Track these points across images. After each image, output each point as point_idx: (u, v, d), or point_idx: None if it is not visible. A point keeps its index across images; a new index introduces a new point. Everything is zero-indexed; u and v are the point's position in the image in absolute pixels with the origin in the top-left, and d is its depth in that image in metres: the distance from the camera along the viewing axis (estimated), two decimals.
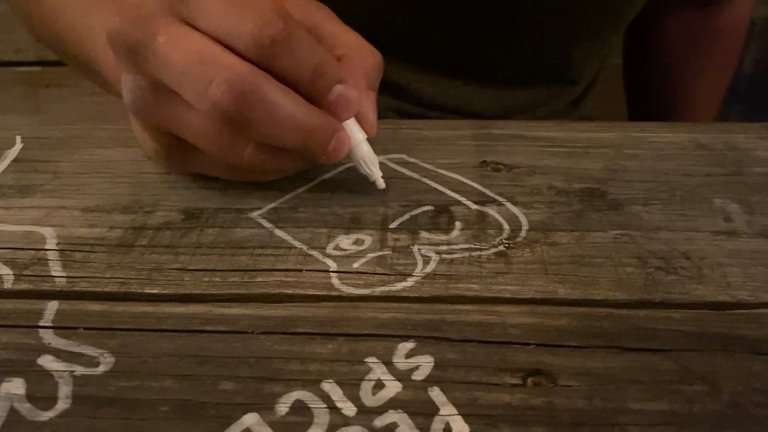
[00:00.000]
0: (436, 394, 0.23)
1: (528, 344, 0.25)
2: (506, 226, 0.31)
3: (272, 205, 0.32)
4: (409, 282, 0.28)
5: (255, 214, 0.32)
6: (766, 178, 0.34)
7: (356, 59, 0.30)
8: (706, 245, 0.30)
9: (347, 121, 0.30)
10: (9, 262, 0.29)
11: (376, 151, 0.35)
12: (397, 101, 0.52)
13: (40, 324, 0.26)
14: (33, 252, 0.30)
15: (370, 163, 0.31)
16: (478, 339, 0.25)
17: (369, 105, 0.30)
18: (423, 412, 0.22)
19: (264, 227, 0.31)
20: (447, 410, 0.22)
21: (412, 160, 0.36)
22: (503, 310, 0.26)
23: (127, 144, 0.37)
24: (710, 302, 0.27)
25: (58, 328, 0.26)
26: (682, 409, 0.22)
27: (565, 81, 0.55)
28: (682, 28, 0.63)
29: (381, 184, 0.32)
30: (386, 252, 0.29)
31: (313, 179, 0.34)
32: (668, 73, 0.67)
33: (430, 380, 0.23)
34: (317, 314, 0.26)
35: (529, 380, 0.23)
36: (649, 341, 0.25)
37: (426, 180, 0.34)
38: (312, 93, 0.28)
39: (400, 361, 0.24)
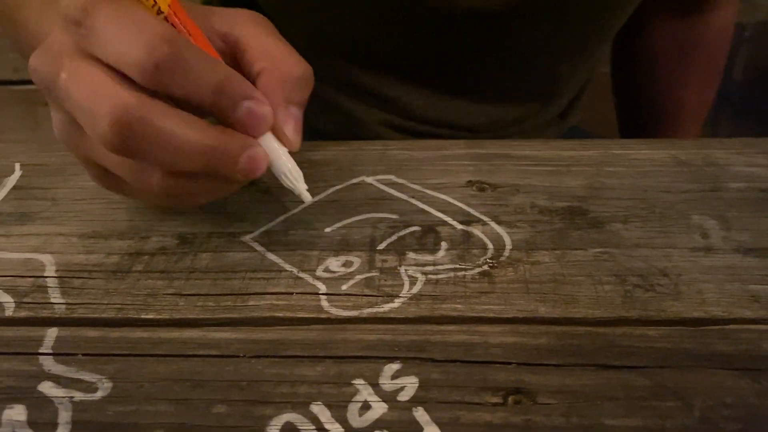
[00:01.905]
0: (420, 414, 0.24)
1: (509, 363, 0.26)
2: (490, 246, 0.32)
3: (264, 228, 0.34)
4: (396, 303, 0.29)
5: (247, 237, 0.33)
6: (742, 194, 0.35)
7: (276, 71, 0.30)
8: (683, 262, 0.31)
9: (265, 136, 0.29)
10: (10, 290, 0.30)
11: (366, 172, 0.36)
12: (388, 115, 0.53)
13: (41, 351, 0.27)
14: (33, 279, 0.31)
15: (292, 177, 0.30)
16: (462, 359, 0.26)
17: (287, 118, 0.29)
18: None
19: (256, 251, 0.32)
20: (430, 430, 0.23)
21: (399, 180, 0.37)
22: (486, 329, 0.27)
23: None
24: (685, 318, 0.28)
25: (57, 354, 0.27)
26: (655, 424, 0.23)
27: (553, 95, 0.56)
28: (667, 36, 0.64)
29: (307, 197, 0.30)
30: (374, 273, 0.30)
31: (303, 202, 0.35)
32: (655, 80, 0.68)
33: (415, 401, 0.24)
34: (307, 337, 0.27)
35: (510, 399, 0.24)
36: (624, 358, 0.26)
37: (413, 201, 0.35)
38: (216, 113, 0.27)
39: (386, 383, 0.25)
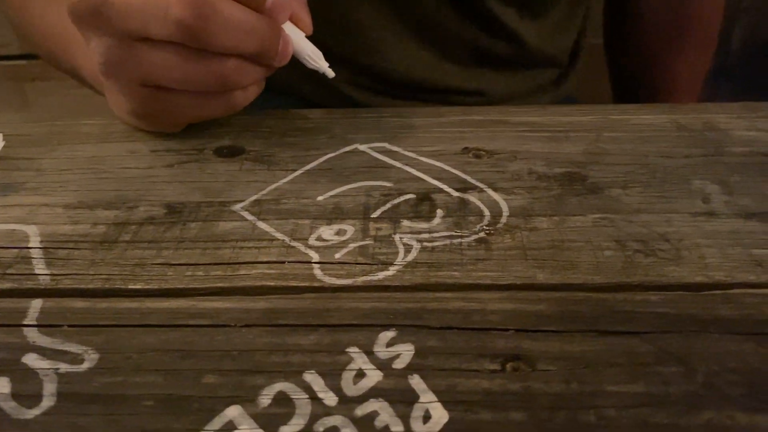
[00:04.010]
0: (416, 381, 0.23)
1: (507, 330, 0.25)
2: (487, 213, 0.31)
3: (255, 197, 0.33)
4: (391, 271, 0.28)
5: (237, 206, 0.32)
6: (744, 158, 0.34)
7: None
8: (684, 227, 0.30)
9: (285, 24, 0.33)
10: None
11: (359, 140, 0.36)
12: (366, 78, 0.53)
13: (25, 322, 0.26)
14: (16, 251, 0.30)
15: (315, 56, 0.34)
16: (459, 326, 0.25)
17: (301, 7, 0.33)
18: (403, 400, 0.22)
19: (246, 220, 0.31)
20: (427, 397, 0.22)
21: (394, 148, 0.36)
22: (483, 296, 0.27)
23: (109, 139, 0.37)
24: (687, 284, 0.27)
25: (42, 326, 0.26)
26: (658, 390, 0.23)
27: (530, 55, 0.54)
28: (660, 9, 0.64)
29: (330, 72, 0.34)
30: (368, 242, 0.30)
31: (295, 170, 0.34)
32: (648, 53, 0.67)
33: (411, 368, 0.24)
34: (299, 306, 0.26)
35: (508, 365, 0.24)
36: (626, 324, 0.25)
37: (408, 168, 0.34)
38: (251, 3, 0.30)
39: (381, 350, 0.24)
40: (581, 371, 0.23)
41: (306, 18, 0.34)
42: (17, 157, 0.36)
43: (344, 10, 0.49)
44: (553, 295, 0.27)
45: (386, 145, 0.36)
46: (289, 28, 0.33)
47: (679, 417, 0.22)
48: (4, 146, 0.37)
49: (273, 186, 0.33)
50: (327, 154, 0.36)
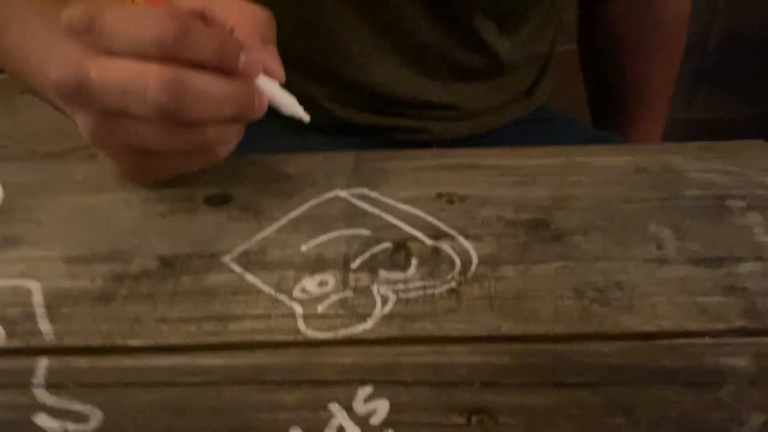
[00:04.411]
0: None
1: (473, 383, 0.28)
2: (458, 262, 0.34)
3: (242, 247, 0.35)
4: (369, 324, 0.31)
5: (226, 258, 0.34)
6: (697, 202, 0.37)
7: (247, 23, 0.35)
8: (637, 274, 0.33)
9: (258, 78, 0.34)
10: (0, 319, 0.31)
11: (340, 185, 0.38)
12: (345, 93, 0.55)
13: (33, 381, 0.28)
14: (21, 308, 0.32)
15: (290, 104, 0.35)
16: (430, 380, 0.28)
17: (271, 58, 0.35)
18: None
19: (235, 272, 0.34)
20: None
21: (372, 194, 0.38)
22: (453, 349, 0.29)
23: (103, 188, 0.39)
24: (638, 333, 0.30)
25: (50, 385, 0.28)
26: None
27: (502, 64, 0.57)
28: (627, 15, 0.67)
29: (306, 117, 0.36)
30: (348, 293, 0.32)
31: (279, 219, 0.37)
32: (617, 58, 0.70)
33: (386, 423, 0.26)
34: (285, 361, 0.29)
35: (473, 418, 0.26)
36: (580, 376, 0.28)
37: (385, 215, 0.37)
38: (223, 68, 0.32)
39: (359, 406, 0.27)
40: (539, 423, 0.26)
41: (277, 67, 0.35)
42: (15, 209, 0.38)
43: (327, 25, 0.52)
44: (515, 348, 0.29)
45: (365, 190, 0.39)
46: (262, 80, 0.35)
47: None
48: (4, 198, 0.39)
49: (260, 236, 0.36)
50: (309, 201, 0.38)
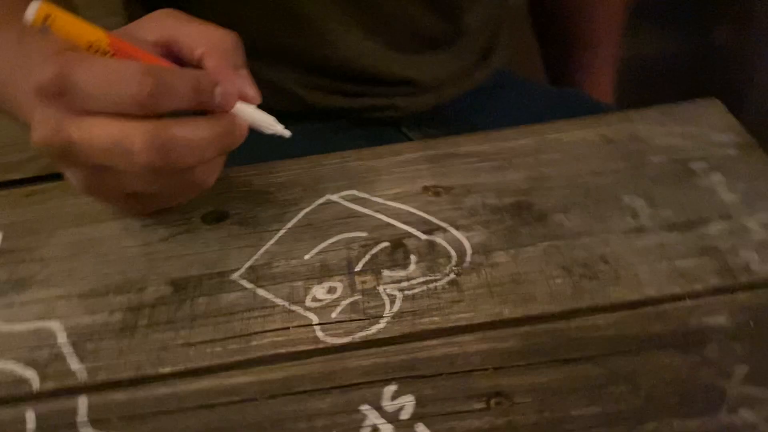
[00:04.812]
0: (422, 429, 0.28)
1: (486, 369, 0.30)
2: (453, 253, 0.36)
3: (249, 263, 0.37)
4: (382, 324, 0.33)
5: (236, 275, 0.36)
6: (664, 168, 0.40)
7: (215, 51, 0.35)
8: (619, 246, 0.36)
9: (237, 106, 0.35)
10: (31, 363, 0.33)
11: (330, 189, 0.40)
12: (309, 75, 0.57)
13: (78, 420, 0.30)
14: (48, 349, 0.33)
15: (269, 123, 0.36)
16: (447, 371, 0.31)
17: (245, 82, 0.35)
18: None
19: (246, 289, 0.35)
20: None
21: (362, 194, 0.40)
22: (462, 339, 0.32)
23: (100, 218, 0.40)
24: (626, 302, 0.33)
25: (94, 421, 0.30)
26: (611, 409, 0.28)
27: (460, 32, 0.59)
28: None
29: (286, 133, 0.36)
30: (357, 297, 0.34)
31: (278, 230, 0.39)
32: (565, 7, 0.72)
33: (415, 417, 0.29)
34: (311, 371, 0.31)
35: (492, 402, 0.29)
36: (580, 350, 0.31)
37: (378, 215, 0.39)
38: (201, 107, 0.33)
39: (388, 404, 0.29)
40: (550, 400, 0.29)
41: (252, 91, 0.35)
42: (18, 249, 0.39)
43: (293, 3, 0.53)
44: (518, 331, 0.32)
45: (355, 192, 0.40)
46: (239, 107, 0.35)
47: (629, 430, 0.28)
48: (3, 238, 0.40)
49: (262, 249, 0.38)
50: (303, 209, 0.40)
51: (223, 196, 0.41)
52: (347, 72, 0.58)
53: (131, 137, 0.31)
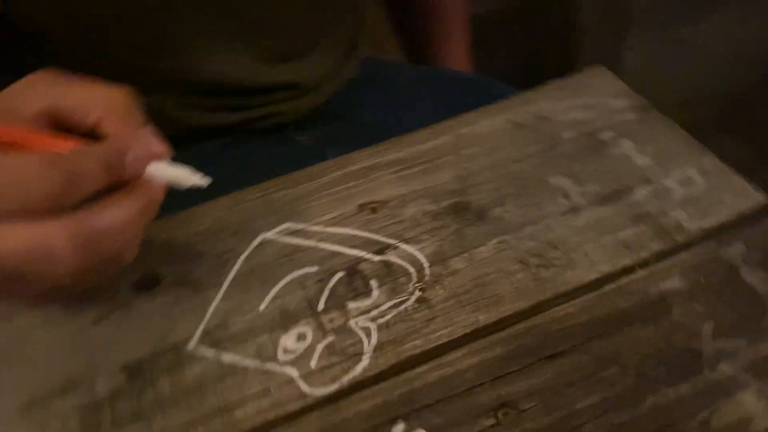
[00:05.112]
0: None
1: (483, 383, 0.31)
2: (411, 269, 0.36)
3: (201, 327, 0.34)
4: (365, 360, 0.32)
5: (191, 344, 0.34)
6: (577, 144, 0.42)
7: (112, 114, 0.33)
8: (561, 229, 0.37)
9: (149, 167, 0.32)
10: None
11: (262, 227, 0.38)
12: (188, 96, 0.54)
13: None
14: None
15: (185, 178, 0.34)
16: (448, 394, 0.30)
17: (150, 140, 0.32)
18: None
19: (208, 357, 0.33)
20: None
21: (298, 226, 0.39)
22: (450, 358, 0.32)
23: (12, 315, 0.36)
24: (586, 284, 0.34)
25: None
26: (609, 393, 0.30)
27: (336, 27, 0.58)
28: None
29: (206, 181, 0.34)
30: (330, 338, 0.33)
31: (220, 285, 0.36)
32: None
33: None
34: (312, 428, 0.30)
35: (500, 414, 0.30)
36: (562, 342, 0.32)
37: (322, 245, 0.38)
38: (120, 182, 0.31)
39: None
40: (552, 398, 0.30)
41: (159, 147, 0.33)
42: None
43: (154, 25, 0.49)
44: (499, 336, 0.33)
45: (290, 225, 0.39)
46: (152, 168, 0.33)
47: (632, 410, 0.29)
48: None
49: (211, 309, 0.35)
50: (241, 254, 0.37)
51: (148, 258, 0.38)
52: (224, 87, 0.55)
53: (50, 239, 0.28)
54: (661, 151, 0.40)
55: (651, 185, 0.39)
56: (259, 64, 0.55)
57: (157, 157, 0.33)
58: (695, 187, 0.38)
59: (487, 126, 0.44)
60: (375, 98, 0.64)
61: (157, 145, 0.33)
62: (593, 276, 0.34)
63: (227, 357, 0.33)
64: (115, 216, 0.29)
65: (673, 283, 0.34)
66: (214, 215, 0.40)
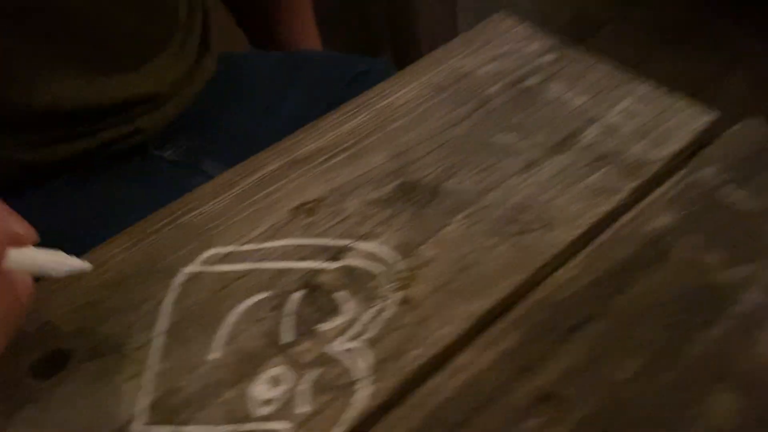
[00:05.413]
0: None
1: (511, 379, 0.26)
2: (378, 269, 0.30)
3: (144, 402, 0.27)
4: (365, 390, 0.26)
5: (138, 427, 0.26)
6: (505, 96, 0.38)
7: None
8: (524, 189, 0.33)
9: (11, 254, 0.25)
10: None
11: (180, 262, 0.31)
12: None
13: None
14: None
15: (59, 263, 0.27)
16: (476, 404, 0.26)
17: (7, 220, 0.26)
18: None
19: None
20: None
21: (226, 249, 0.32)
22: (463, 360, 0.27)
23: None
24: (575, 240, 0.31)
25: None
26: (646, 356, 0.27)
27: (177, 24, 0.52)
28: None
29: (87, 265, 0.28)
30: (313, 374, 0.27)
31: (149, 343, 0.29)
32: None
33: None
34: None
35: (546, 408, 0.25)
36: (576, 311, 0.28)
37: (264, 264, 0.31)
38: None
39: None
40: (591, 377, 0.26)
41: (22, 228, 0.26)
42: None
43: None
44: (504, 322, 0.28)
45: (216, 250, 0.32)
46: (14, 256, 0.25)
47: (677, 365, 0.26)
48: None
49: (151, 376, 0.28)
50: (164, 299, 0.30)
51: (46, 333, 0.29)
52: (70, 113, 0.47)
53: None
54: (593, 87, 0.38)
55: (596, 124, 0.36)
56: (104, 79, 0.48)
57: (20, 242, 0.26)
58: (641, 116, 0.36)
59: (406, 95, 0.39)
60: (240, 96, 0.58)
61: (18, 224, 0.26)
62: (578, 232, 0.31)
63: (191, 430, 0.26)
64: None
65: (663, 220, 0.31)
66: (111, 261, 0.32)
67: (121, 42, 0.47)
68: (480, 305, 0.29)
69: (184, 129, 0.53)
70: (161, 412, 0.26)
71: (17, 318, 0.25)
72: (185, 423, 0.26)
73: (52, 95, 0.45)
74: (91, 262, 0.31)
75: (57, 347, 0.29)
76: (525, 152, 0.35)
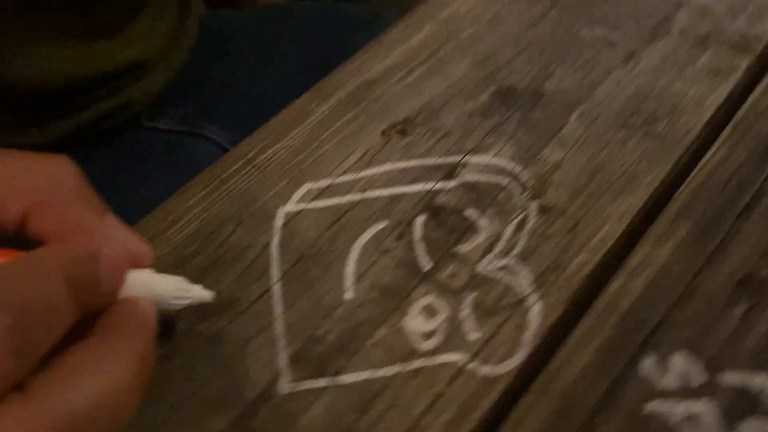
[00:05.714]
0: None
1: (700, 268, 0.23)
2: (504, 181, 0.27)
3: (285, 356, 0.23)
4: (536, 305, 0.23)
5: (286, 384, 0.22)
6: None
7: (54, 199, 0.21)
8: (635, 80, 0.30)
9: (129, 277, 0.20)
10: None
11: (271, 203, 0.27)
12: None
13: None
14: None
15: (183, 292, 0.21)
16: (678, 295, 0.22)
17: (124, 235, 0.21)
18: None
19: (323, 389, 0.22)
20: None
21: (324, 183, 0.28)
22: (637, 259, 0.24)
23: None
24: (709, 122, 0.28)
25: None
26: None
27: None
28: None
29: (210, 294, 0.22)
30: (469, 297, 0.23)
31: (269, 289, 0.24)
32: None
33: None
34: (541, 415, 0.20)
35: (743, 291, 0.22)
36: (743, 193, 0.25)
37: (372, 193, 0.27)
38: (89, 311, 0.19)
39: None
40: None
41: (139, 245, 0.21)
42: None
43: None
44: (669, 213, 0.25)
45: (309, 186, 0.28)
46: (134, 279, 0.20)
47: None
48: None
49: (279, 331, 0.23)
50: (269, 246, 0.26)
51: None
52: (57, 87, 0.44)
53: None
54: None
55: (684, 7, 0.33)
56: (81, 48, 0.44)
57: (140, 262, 0.20)
58: None
59: (467, 2, 0.35)
60: (227, 56, 0.55)
61: (133, 240, 0.21)
62: (709, 113, 0.28)
63: (350, 378, 0.22)
64: (103, 384, 0.17)
65: None
66: (192, 212, 0.27)
67: (97, 6, 0.44)
68: (632, 203, 0.26)
69: (176, 97, 0.50)
70: (306, 365, 0.22)
71: (149, 364, 0.19)
72: (340, 372, 0.22)
73: (34, 69, 0.42)
74: (164, 218, 0.27)
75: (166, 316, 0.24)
76: (620, 43, 0.32)
